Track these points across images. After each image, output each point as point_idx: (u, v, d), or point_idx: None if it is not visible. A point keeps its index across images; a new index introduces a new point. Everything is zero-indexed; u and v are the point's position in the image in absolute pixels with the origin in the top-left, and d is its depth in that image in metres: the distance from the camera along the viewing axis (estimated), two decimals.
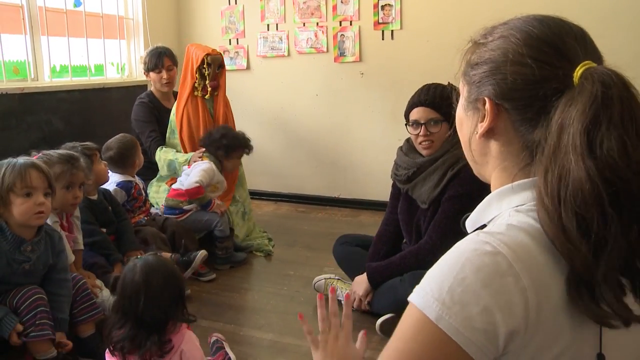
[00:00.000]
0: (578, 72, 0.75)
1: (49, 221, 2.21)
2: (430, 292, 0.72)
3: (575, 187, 0.70)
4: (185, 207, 3.14)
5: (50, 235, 2.13)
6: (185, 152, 3.44)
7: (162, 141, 3.53)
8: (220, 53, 3.50)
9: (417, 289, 0.75)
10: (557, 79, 0.76)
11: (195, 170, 3.14)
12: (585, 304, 0.70)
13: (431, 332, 0.71)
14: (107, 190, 2.81)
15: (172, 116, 3.51)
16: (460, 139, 0.94)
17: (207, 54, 3.38)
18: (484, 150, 0.87)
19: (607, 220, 0.69)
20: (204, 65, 3.39)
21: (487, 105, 0.82)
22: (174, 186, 3.24)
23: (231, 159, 3.33)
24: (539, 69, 0.77)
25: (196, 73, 3.41)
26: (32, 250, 2.03)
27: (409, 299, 0.75)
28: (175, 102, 3.54)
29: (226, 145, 3.28)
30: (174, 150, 3.46)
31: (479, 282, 0.70)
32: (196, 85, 3.43)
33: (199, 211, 3.16)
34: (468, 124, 0.89)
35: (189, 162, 3.29)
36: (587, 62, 0.76)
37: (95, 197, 2.68)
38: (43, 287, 2.08)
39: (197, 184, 3.07)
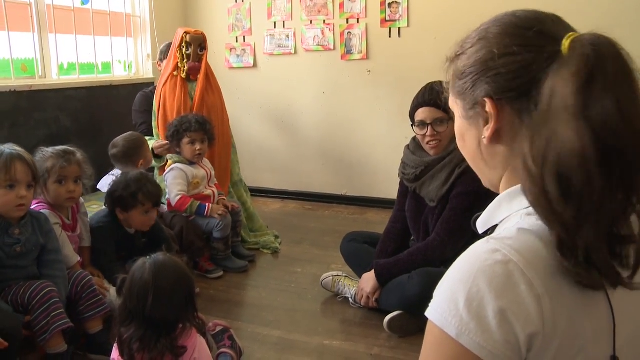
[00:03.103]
0: (565, 43, 0.74)
1: (50, 221, 2.21)
2: (447, 309, 0.72)
3: (563, 147, 0.69)
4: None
5: (36, 217, 2.14)
6: (159, 135, 3.33)
7: (150, 133, 3.46)
8: (202, 33, 3.39)
9: (433, 304, 0.75)
10: (546, 55, 0.76)
11: (169, 186, 3.03)
12: (572, 269, 0.70)
13: (453, 349, 0.71)
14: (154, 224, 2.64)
15: (154, 98, 3.46)
16: (465, 153, 0.93)
17: (186, 32, 3.32)
18: (493, 154, 0.86)
19: (592, 182, 0.68)
20: (183, 44, 3.32)
21: (489, 105, 0.81)
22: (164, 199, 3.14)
23: (184, 145, 3.07)
24: (528, 53, 0.77)
25: (177, 53, 3.34)
26: (20, 233, 2.04)
27: (427, 315, 0.75)
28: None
29: (171, 135, 3.09)
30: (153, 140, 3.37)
31: (494, 294, 0.70)
32: (179, 65, 3.34)
33: (198, 217, 3.04)
34: (471, 134, 0.87)
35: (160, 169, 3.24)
36: (572, 33, 0.76)
37: (132, 230, 2.58)
38: (38, 270, 2.11)
39: (179, 196, 2.98)
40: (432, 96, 2.36)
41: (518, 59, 0.77)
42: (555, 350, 0.71)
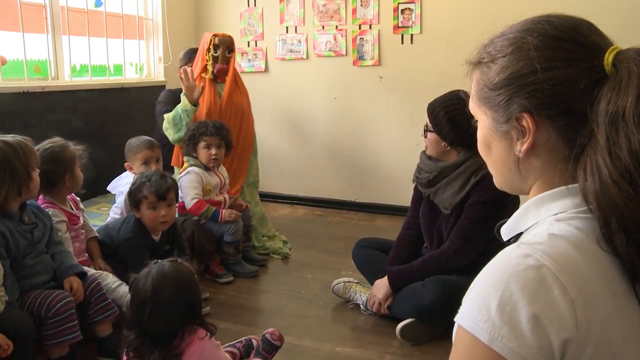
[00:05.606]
0: (608, 58, 0.74)
1: (54, 219, 2.22)
2: (478, 314, 0.71)
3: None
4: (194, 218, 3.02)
5: (31, 204, 2.13)
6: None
7: None
8: (230, 36, 3.45)
9: (464, 310, 0.74)
10: (590, 71, 0.75)
11: (185, 189, 2.99)
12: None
13: (485, 355, 0.70)
14: (174, 229, 2.61)
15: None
16: (490, 161, 0.90)
17: (214, 35, 3.38)
18: (524, 167, 0.84)
19: None
20: (212, 47, 3.36)
21: (527, 121, 0.79)
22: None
23: (200, 150, 3.05)
24: (571, 68, 0.75)
25: (206, 55, 3.39)
26: (29, 219, 2.06)
27: (457, 321, 0.74)
28: None
29: (188, 139, 3.08)
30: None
31: (527, 299, 0.69)
32: (208, 67, 3.39)
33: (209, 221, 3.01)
34: (500, 145, 0.85)
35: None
36: (613, 47, 0.75)
37: (157, 237, 2.52)
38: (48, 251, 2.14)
39: (195, 200, 2.95)
40: (431, 102, 2.43)
41: (561, 74, 0.76)
42: (588, 357, 0.69)
